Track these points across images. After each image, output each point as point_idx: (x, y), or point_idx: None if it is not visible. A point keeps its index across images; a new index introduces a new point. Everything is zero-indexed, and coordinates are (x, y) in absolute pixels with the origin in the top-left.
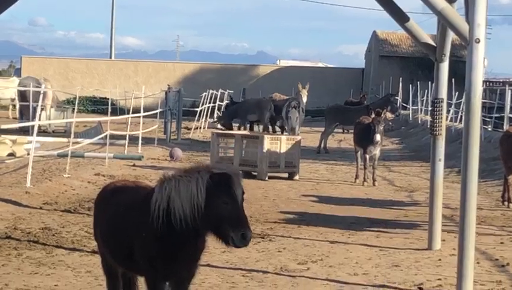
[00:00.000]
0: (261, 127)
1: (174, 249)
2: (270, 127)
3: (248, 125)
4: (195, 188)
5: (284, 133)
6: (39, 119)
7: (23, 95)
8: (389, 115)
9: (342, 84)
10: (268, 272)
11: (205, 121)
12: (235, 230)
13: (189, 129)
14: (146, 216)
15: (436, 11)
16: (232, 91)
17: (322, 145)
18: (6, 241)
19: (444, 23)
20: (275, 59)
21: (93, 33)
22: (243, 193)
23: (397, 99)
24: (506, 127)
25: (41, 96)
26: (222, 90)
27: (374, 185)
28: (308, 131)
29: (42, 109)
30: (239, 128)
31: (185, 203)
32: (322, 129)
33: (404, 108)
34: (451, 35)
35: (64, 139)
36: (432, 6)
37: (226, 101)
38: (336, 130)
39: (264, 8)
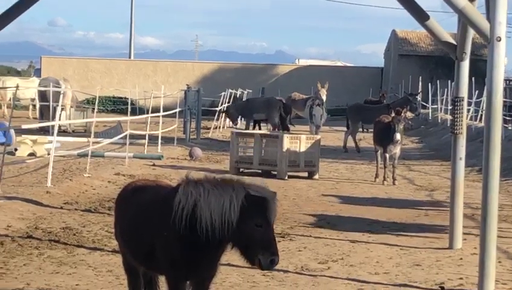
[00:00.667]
0: (269, 126)
1: (195, 251)
2: (280, 126)
3: (252, 124)
4: (228, 204)
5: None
6: (59, 119)
7: (43, 95)
8: (408, 114)
9: (361, 83)
10: (289, 272)
11: (224, 120)
12: (265, 254)
13: (209, 129)
14: (168, 216)
15: (457, 9)
16: (251, 90)
17: (342, 144)
18: (27, 241)
19: (465, 22)
20: (294, 58)
21: (112, 33)
22: (275, 215)
23: (417, 98)
24: None
25: (61, 96)
26: (241, 90)
27: (394, 184)
28: (328, 130)
29: (62, 109)
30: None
31: (214, 215)
32: (341, 128)
33: (424, 107)
34: (471, 34)
35: (84, 139)
36: (452, 4)
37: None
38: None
39: (283, 7)
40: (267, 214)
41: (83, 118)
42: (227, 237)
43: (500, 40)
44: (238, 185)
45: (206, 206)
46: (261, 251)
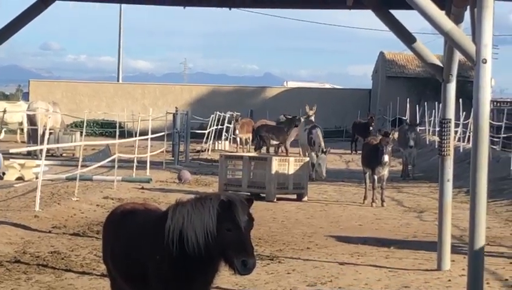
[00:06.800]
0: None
1: (188, 272)
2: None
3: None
4: (207, 216)
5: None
6: (47, 143)
7: (32, 119)
8: (396, 136)
9: (349, 105)
10: None
11: (213, 143)
12: (238, 257)
13: (198, 151)
14: (159, 239)
15: (443, 32)
16: (239, 113)
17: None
18: (15, 266)
19: (451, 44)
20: (282, 80)
21: (103, 56)
22: (252, 219)
23: (416, 128)
24: None
25: (49, 119)
26: (230, 112)
27: (382, 205)
28: None
29: (51, 133)
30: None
31: (198, 231)
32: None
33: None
34: (458, 56)
35: (73, 163)
36: (438, 27)
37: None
38: (344, 151)
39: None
40: (236, 217)
41: (71, 142)
42: (212, 250)
43: (486, 62)
44: (214, 195)
45: (190, 226)
46: (235, 255)
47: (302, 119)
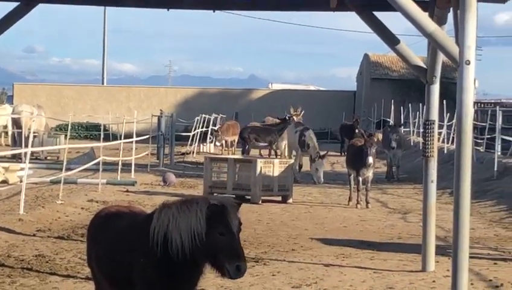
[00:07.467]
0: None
1: (172, 275)
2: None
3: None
4: (194, 219)
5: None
6: (31, 146)
7: (16, 122)
8: (380, 137)
9: (333, 107)
10: None
11: (198, 146)
12: (231, 262)
13: (183, 154)
14: (144, 242)
15: (426, 33)
16: (224, 115)
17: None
18: None
19: (434, 46)
20: (267, 83)
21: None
22: (240, 223)
23: (399, 130)
24: (497, 148)
25: (33, 123)
26: (215, 115)
27: (367, 207)
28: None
29: (35, 136)
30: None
31: (183, 234)
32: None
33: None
34: (441, 57)
35: (57, 166)
36: (422, 29)
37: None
38: (329, 153)
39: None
40: (228, 222)
41: (56, 145)
42: (198, 255)
43: (469, 64)
44: (201, 199)
45: (175, 229)
46: (227, 260)
47: (295, 119)
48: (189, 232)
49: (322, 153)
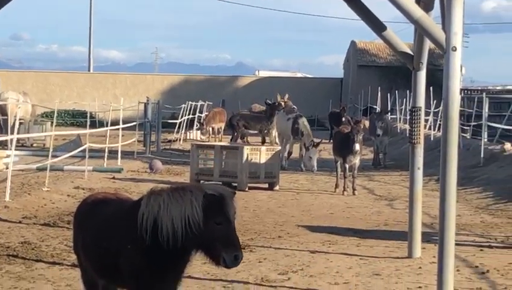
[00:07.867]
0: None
1: (160, 262)
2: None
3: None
4: (189, 208)
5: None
6: (17, 133)
7: (2, 109)
8: (367, 124)
9: (320, 94)
10: (249, 283)
11: (184, 133)
12: (228, 251)
13: (169, 141)
14: (132, 228)
15: (412, 20)
16: (211, 103)
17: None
18: None
19: (421, 32)
20: (254, 70)
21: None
22: (235, 212)
23: (385, 117)
24: (484, 135)
25: (19, 109)
26: (202, 102)
27: (353, 194)
28: None
29: (21, 123)
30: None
31: (176, 221)
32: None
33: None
34: (428, 44)
35: (43, 153)
36: (408, 15)
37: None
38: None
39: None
40: (226, 212)
41: (42, 132)
42: (191, 243)
43: (455, 50)
44: (195, 188)
45: (166, 215)
46: (224, 249)
47: (283, 104)
48: (182, 220)
49: (316, 140)
